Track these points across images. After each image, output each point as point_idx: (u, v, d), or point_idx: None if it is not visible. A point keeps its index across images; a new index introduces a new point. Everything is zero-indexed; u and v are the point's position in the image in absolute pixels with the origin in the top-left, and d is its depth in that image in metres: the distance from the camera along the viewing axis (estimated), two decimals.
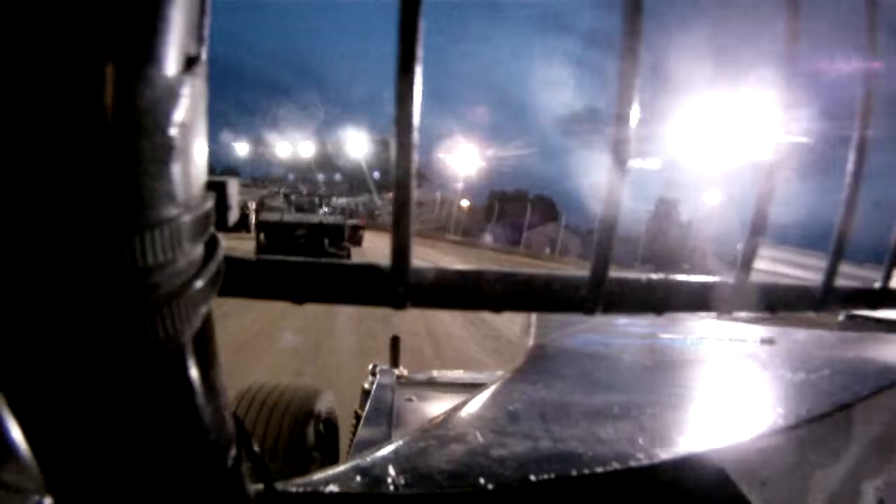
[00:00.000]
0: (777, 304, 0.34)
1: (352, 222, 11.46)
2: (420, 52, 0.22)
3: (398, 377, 1.17)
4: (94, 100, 0.16)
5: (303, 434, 1.24)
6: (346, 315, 5.50)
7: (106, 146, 0.16)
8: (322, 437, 1.32)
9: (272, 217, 10.27)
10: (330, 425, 1.38)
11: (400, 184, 0.24)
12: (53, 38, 0.15)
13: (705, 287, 0.32)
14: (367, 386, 1.20)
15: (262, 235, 9.78)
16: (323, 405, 1.35)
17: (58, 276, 0.16)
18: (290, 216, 10.51)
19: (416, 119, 0.23)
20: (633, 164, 0.26)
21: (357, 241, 12.67)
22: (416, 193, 0.24)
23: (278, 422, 1.24)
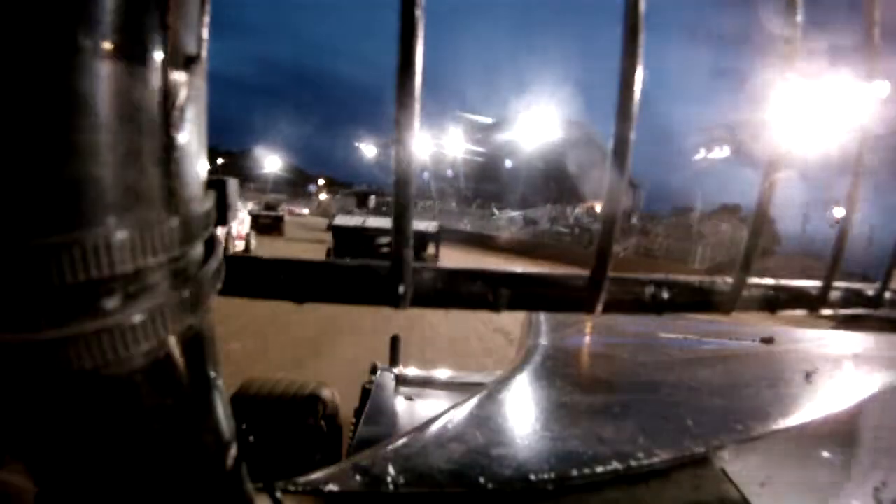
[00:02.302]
0: (777, 304, 0.34)
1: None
2: (420, 51, 0.22)
3: (398, 376, 1.17)
4: (94, 98, 0.16)
5: (303, 432, 1.23)
6: None
7: (105, 146, 0.16)
8: (323, 435, 1.31)
9: (350, 221, 8.62)
10: (332, 422, 1.37)
11: (400, 186, 0.24)
12: (53, 36, 0.15)
13: (705, 287, 0.32)
14: (366, 385, 1.20)
15: (334, 242, 8.33)
16: (325, 401, 1.34)
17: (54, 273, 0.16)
18: (373, 220, 8.68)
19: (417, 119, 0.23)
20: None
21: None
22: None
23: (278, 419, 1.24)
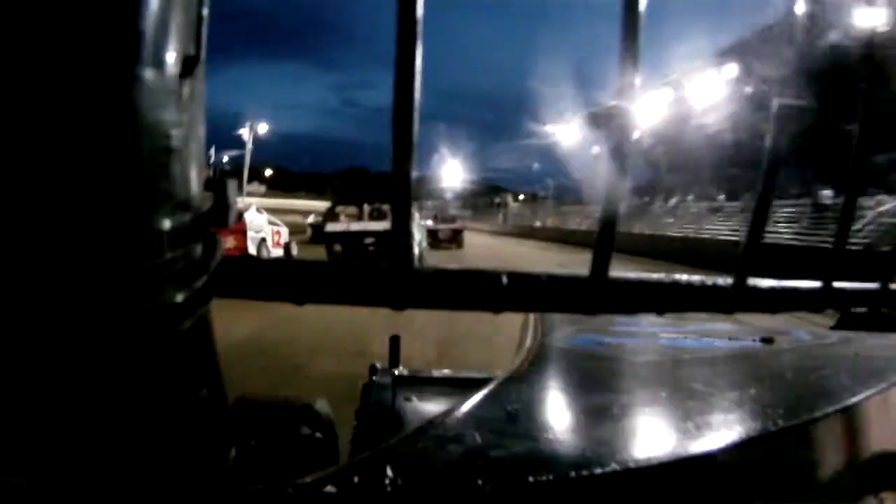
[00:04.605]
0: (777, 304, 0.34)
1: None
2: (419, 48, 0.22)
3: (397, 377, 1.17)
4: (94, 102, 0.16)
5: (298, 443, 1.22)
6: None
7: (105, 148, 0.16)
8: (318, 449, 1.30)
9: (338, 227, 10.78)
10: (327, 435, 1.36)
11: (400, 184, 0.24)
12: (54, 42, 0.15)
13: (705, 287, 0.32)
14: (366, 386, 1.20)
15: (335, 246, 10.32)
16: (319, 415, 1.33)
17: (51, 275, 0.16)
18: (357, 224, 10.76)
19: (416, 117, 0.23)
20: None
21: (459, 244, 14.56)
22: None
23: (272, 431, 1.22)
